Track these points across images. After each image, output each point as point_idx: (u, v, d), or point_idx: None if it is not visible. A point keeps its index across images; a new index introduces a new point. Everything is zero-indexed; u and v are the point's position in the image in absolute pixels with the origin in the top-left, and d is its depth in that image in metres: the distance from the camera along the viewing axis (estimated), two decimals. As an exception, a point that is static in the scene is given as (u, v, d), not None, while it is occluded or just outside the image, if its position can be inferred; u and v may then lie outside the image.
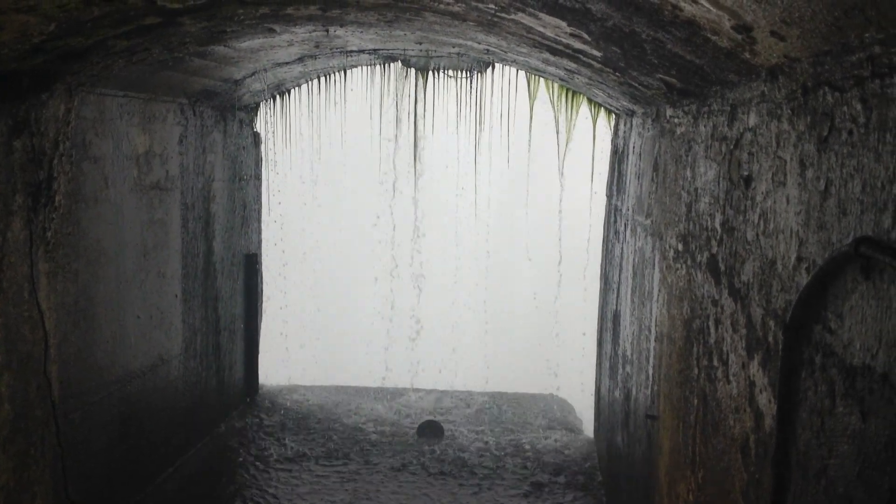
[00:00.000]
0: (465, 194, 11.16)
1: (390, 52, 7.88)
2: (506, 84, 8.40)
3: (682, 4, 2.73)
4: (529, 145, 8.54)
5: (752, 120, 2.96)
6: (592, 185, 8.47)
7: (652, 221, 5.16)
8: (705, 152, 3.69)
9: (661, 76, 4.12)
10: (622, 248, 6.69)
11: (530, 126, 8.34)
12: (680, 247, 4.17)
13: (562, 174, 8.60)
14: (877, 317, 1.88)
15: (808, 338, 2.30)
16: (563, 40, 4.52)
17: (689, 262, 3.93)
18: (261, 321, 9.61)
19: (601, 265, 8.30)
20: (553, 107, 8.17)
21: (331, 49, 7.21)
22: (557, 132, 8.17)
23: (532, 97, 8.22)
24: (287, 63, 7.54)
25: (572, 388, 10.25)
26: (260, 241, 9.59)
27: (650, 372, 5.01)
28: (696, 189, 3.86)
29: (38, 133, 4.90)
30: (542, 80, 8.10)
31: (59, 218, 5.19)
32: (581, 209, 9.21)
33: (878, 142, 1.90)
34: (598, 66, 4.91)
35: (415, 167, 9.41)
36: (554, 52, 5.12)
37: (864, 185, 1.95)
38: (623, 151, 6.96)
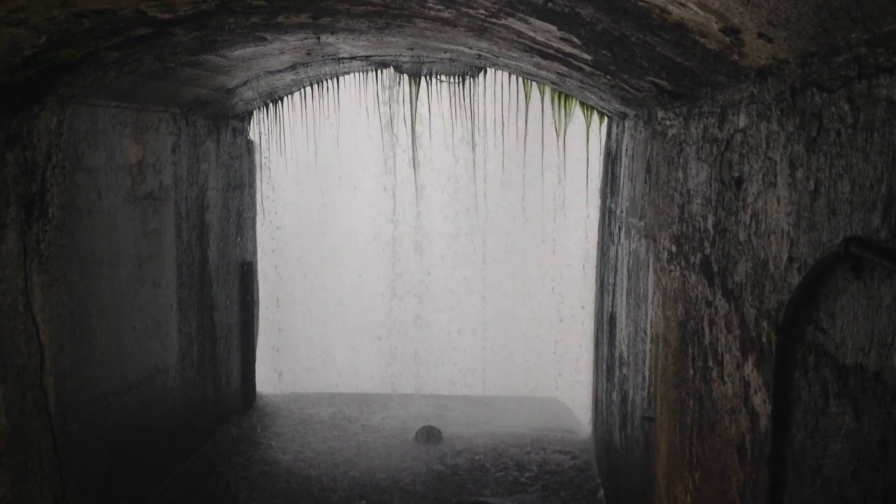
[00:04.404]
0: (462, 197, 11.17)
1: (382, 58, 7.89)
2: (499, 88, 8.41)
3: (670, 8, 2.74)
4: (524, 149, 8.55)
5: (742, 121, 2.97)
6: (587, 188, 8.49)
7: (645, 223, 5.17)
8: (696, 154, 3.70)
9: (651, 79, 4.13)
10: (617, 251, 6.70)
11: (525, 129, 8.35)
12: (673, 248, 4.18)
13: (541, 173, 8.62)
14: (868, 316, 1.89)
15: (800, 338, 2.31)
16: (554, 44, 4.53)
17: (682, 263, 3.94)
18: (257, 329, 9.59)
19: (596, 267, 8.31)
20: (545, 110, 8.19)
21: (322, 56, 7.22)
22: (557, 136, 8.18)
23: (527, 100, 8.23)
24: (279, 71, 7.55)
25: (570, 391, 10.26)
26: (255, 250, 9.58)
27: (646, 373, 5.01)
28: (688, 191, 3.87)
29: (31, 145, 4.90)
30: (534, 83, 8.12)
31: (52, 230, 5.18)
32: (577, 211, 9.23)
33: (865, 142, 1.91)
34: (588, 69, 4.93)
35: (415, 172, 9.42)
36: (545, 55, 5.14)
37: (853, 184, 1.96)
38: (616, 154, 6.98)
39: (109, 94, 5.72)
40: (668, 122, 4.49)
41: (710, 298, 3.34)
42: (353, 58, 7.61)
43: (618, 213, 6.67)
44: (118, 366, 6.21)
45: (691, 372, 3.70)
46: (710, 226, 3.39)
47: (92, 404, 5.81)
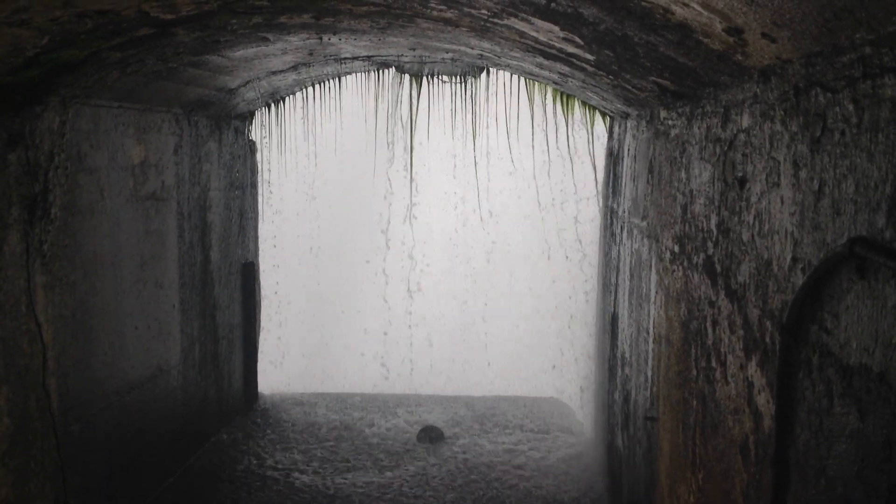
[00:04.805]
0: (462, 198, 11.17)
1: (384, 58, 7.89)
2: (500, 88, 8.41)
3: (674, 8, 2.74)
4: (531, 149, 8.55)
5: (746, 121, 2.97)
6: (590, 188, 8.48)
7: (648, 223, 5.17)
8: (699, 154, 3.70)
9: (654, 79, 4.13)
10: (619, 251, 6.70)
11: (529, 130, 8.35)
12: (676, 248, 4.18)
13: (549, 175, 8.62)
14: (872, 316, 1.89)
15: (804, 338, 2.31)
16: (556, 44, 4.53)
17: (685, 263, 3.94)
18: (259, 329, 9.60)
19: (599, 268, 8.31)
20: (547, 110, 8.19)
21: (324, 56, 7.22)
22: (559, 136, 8.18)
23: (530, 101, 8.23)
24: (281, 71, 7.55)
25: (572, 391, 10.26)
26: (257, 250, 9.58)
27: (649, 374, 5.01)
28: (691, 191, 3.87)
29: (33, 146, 4.90)
30: (536, 83, 8.12)
31: (55, 230, 5.19)
32: (579, 211, 9.23)
33: (870, 142, 1.91)
34: (591, 69, 4.93)
35: (410, 172, 9.42)
36: (547, 56, 5.14)
37: (858, 185, 1.96)
38: (618, 154, 6.98)
39: (112, 94, 5.73)
40: (670, 122, 4.49)
41: (714, 298, 3.34)
42: (355, 58, 7.61)
43: (620, 212, 6.67)
44: (120, 366, 6.21)
45: (694, 372, 3.69)
46: (713, 226, 3.39)
47: (94, 404, 5.81)
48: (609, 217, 7.53)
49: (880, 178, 1.84)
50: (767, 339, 2.59)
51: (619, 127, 6.94)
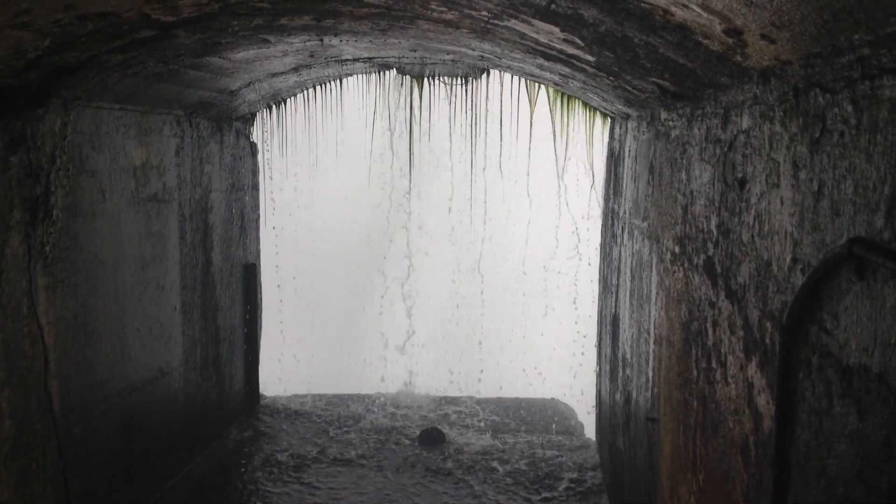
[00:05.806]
0: (463, 198, 11.17)
1: (385, 59, 7.90)
2: (502, 89, 8.41)
3: (674, 9, 2.74)
4: (529, 150, 8.55)
5: (745, 122, 2.97)
6: (590, 189, 8.48)
7: (649, 224, 5.17)
8: (700, 155, 3.70)
9: (654, 80, 4.14)
10: (620, 252, 6.70)
11: (529, 131, 8.35)
12: (677, 249, 4.18)
13: (558, 177, 8.62)
14: (871, 317, 1.89)
15: (804, 339, 2.31)
16: (557, 46, 4.54)
17: (685, 264, 3.94)
18: (260, 331, 9.60)
19: (599, 268, 8.31)
20: (549, 111, 8.19)
21: (325, 58, 7.23)
22: (554, 137, 8.18)
23: (531, 103, 8.24)
24: (282, 73, 7.56)
25: (573, 392, 10.25)
26: (258, 251, 9.59)
27: (650, 374, 5.01)
28: (691, 191, 3.87)
29: (35, 148, 4.91)
30: (537, 84, 8.12)
31: (57, 232, 5.20)
32: (580, 212, 9.23)
33: (869, 143, 1.91)
34: (591, 70, 4.93)
35: (410, 173, 9.42)
36: (548, 57, 5.14)
37: (857, 185, 1.97)
38: (619, 155, 6.98)
39: (113, 96, 5.74)
40: (671, 123, 4.49)
41: (714, 299, 3.34)
42: (356, 59, 7.62)
43: (621, 213, 6.67)
44: (122, 368, 6.22)
45: (695, 373, 3.70)
46: (713, 227, 3.39)
47: (95, 407, 5.82)
48: (610, 218, 7.53)
49: (879, 178, 1.85)
50: (767, 340, 2.60)
51: (620, 128, 6.95)
